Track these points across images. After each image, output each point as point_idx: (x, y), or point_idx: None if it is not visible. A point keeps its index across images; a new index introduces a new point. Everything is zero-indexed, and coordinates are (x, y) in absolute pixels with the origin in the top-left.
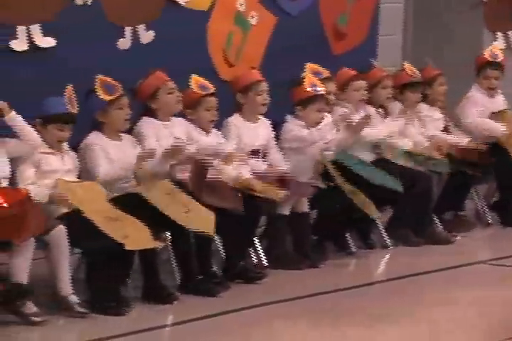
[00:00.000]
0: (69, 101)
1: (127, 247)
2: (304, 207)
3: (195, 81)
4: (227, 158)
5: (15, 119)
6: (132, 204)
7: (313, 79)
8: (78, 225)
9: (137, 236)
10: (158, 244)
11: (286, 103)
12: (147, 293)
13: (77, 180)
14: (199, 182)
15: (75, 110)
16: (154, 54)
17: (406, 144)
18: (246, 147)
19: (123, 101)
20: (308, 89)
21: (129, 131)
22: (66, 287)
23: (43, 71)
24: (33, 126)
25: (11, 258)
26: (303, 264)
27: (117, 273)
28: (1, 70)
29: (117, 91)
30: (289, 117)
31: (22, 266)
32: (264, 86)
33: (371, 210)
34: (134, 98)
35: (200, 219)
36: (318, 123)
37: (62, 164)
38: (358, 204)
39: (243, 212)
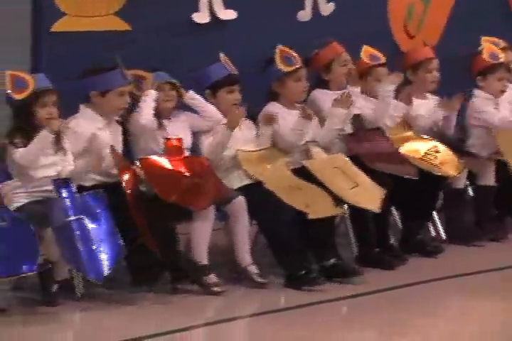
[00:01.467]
0: (226, 64)
1: (310, 216)
2: (487, 180)
3: (366, 51)
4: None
5: (193, 98)
6: (306, 177)
7: (492, 48)
8: (257, 196)
9: (319, 204)
10: (340, 211)
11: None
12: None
13: (256, 149)
14: (373, 152)
15: (235, 71)
16: (334, 26)
17: None
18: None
19: (301, 73)
20: (488, 59)
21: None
22: (245, 257)
23: (223, 43)
24: (205, 98)
25: (191, 227)
26: (483, 239)
27: (294, 243)
28: (183, 43)
29: (296, 63)
30: (476, 92)
31: (202, 235)
32: (435, 63)
33: None
34: (308, 69)
35: (367, 196)
36: (502, 92)
37: (240, 134)
38: None
39: (418, 180)
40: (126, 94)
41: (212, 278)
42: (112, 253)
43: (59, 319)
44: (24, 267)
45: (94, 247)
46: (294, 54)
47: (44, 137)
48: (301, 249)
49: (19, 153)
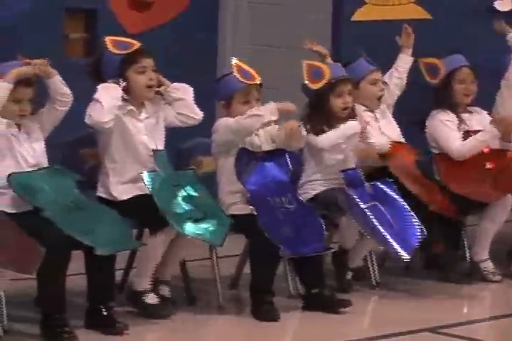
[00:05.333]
0: None
1: None
2: None
3: None
4: None
5: None
6: None
7: None
8: None
9: None
10: None
11: None
12: None
13: None
14: None
15: None
16: None
17: None
18: None
19: None
20: None
21: None
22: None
23: None
24: None
25: (483, 218)
26: None
27: None
28: (481, 30)
29: None
30: None
31: (494, 227)
32: None
33: None
34: None
35: None
36: None
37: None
38: None
39: None
40: (378, 81)
41: (490, 265)
42: (415, 232)
43: (353, 307)
44: (311, 248)
45: (396, 228)
46: None
47: (349, 128)
48: None
49: (319, 140)
